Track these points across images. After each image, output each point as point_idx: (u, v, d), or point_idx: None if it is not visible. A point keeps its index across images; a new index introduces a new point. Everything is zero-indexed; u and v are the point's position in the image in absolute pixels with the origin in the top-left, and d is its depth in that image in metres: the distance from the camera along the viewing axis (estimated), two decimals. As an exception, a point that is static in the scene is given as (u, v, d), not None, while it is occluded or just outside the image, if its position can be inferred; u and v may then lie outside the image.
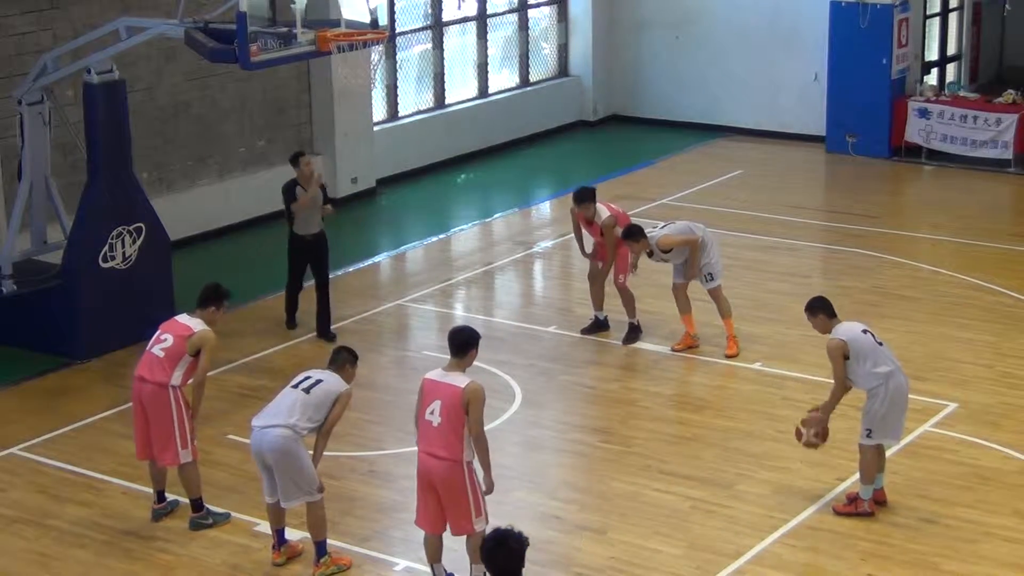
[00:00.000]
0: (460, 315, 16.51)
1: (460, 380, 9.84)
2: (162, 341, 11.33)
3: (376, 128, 21.21)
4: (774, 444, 12.77)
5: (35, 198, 15.32)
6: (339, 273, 17.60)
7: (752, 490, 11.92)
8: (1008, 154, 21.62)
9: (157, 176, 18.22)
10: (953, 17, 24.56)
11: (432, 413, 9.86)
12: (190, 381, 11.33)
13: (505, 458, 12.58)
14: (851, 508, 11.45)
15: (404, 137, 21.83)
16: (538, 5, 24.59)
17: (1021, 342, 15.03)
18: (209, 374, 14.34)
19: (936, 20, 24.11)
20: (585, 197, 14.94)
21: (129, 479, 12.24)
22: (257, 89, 19.41)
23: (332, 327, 15.61)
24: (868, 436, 11.38)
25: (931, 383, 13.97)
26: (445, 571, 10.35)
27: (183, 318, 11.58)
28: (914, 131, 22.29)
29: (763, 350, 14.78)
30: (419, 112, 22.49)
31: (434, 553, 10.27)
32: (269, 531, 10.99)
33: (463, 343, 10.00)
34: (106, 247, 14.99)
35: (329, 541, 10.91)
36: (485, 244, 19.15)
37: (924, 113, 22.19)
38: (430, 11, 22.58)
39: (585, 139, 24.41)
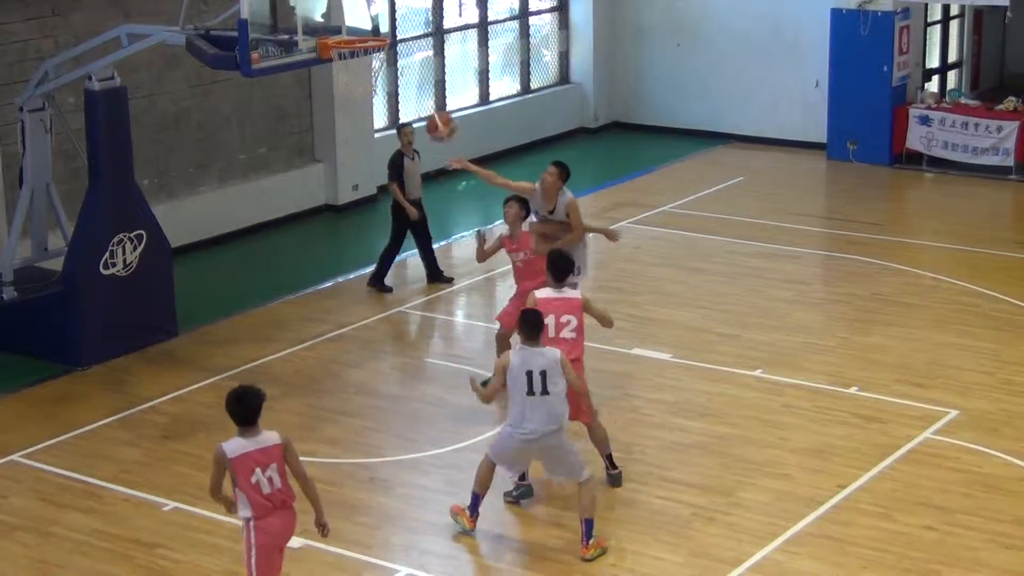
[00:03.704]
0: (461, 322, 16.51)
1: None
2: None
3: (377, 135, 21.22)
4: (775, 451, 12.76)
5: (36, 205, 15.33)
6: (340, 280, 17.63)
7: (753, 497, 11.91)
8: (1009, 161, 21.61)
9: (158, 183, 18.23)
10: (954, 24, 24.59)
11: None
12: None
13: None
14: None
15: (405, 144, 21.81)
16: (539, 12, 24.60)
17: (1022, 349, 15.02)
18: (211, 380, 14.42)
19: (937, 27, 24.13)
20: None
21: (130, 486, 12.24)
22: (258, 96, 19.42)
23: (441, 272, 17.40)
24: None
25: (932, 390, 13.97)
26: None
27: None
28: (915, 138, 22.29)
29: (764, 357, 14.78)
30: (420, 119, 22.45)
31: None
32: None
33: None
34: (107, 254, 15.00)
35: (329, 549, 10.92)
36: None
37: (925, 120, 22.19)
38: (431, 18, 22.59)
39: (586, 146, 24.41)
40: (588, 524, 10.96)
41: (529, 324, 10.92)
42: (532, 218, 14.07)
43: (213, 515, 11.66)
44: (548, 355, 10.84)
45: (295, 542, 11.13)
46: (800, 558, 10.95)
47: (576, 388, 11.12)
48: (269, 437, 9.54)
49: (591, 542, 10.96)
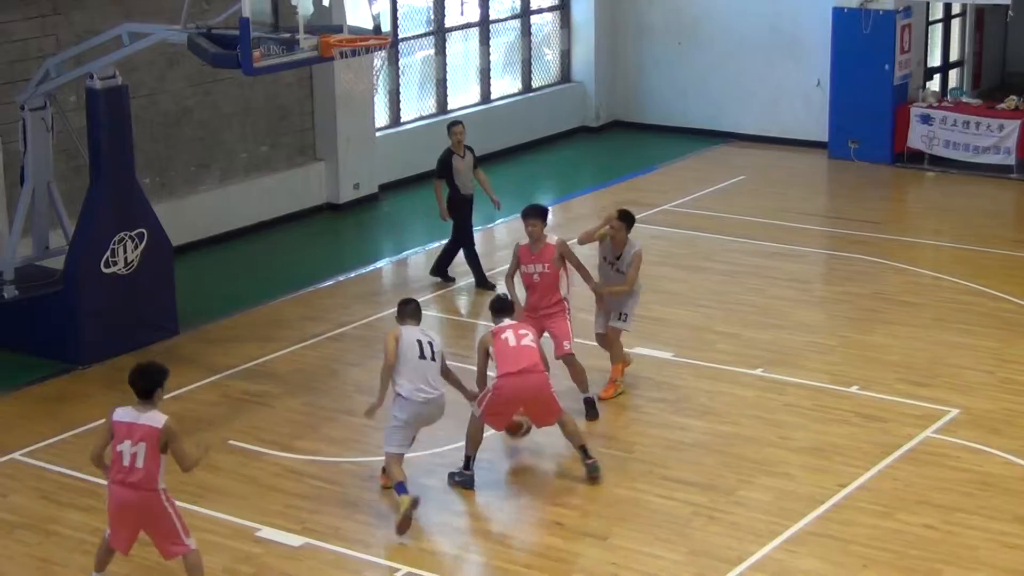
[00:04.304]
0: (463, 320, 16.51)
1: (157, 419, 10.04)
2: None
3: (378, 134, 21.23)
4: (776, 450, 12.76)
5: (37, 203, 15.33)
6: (341, 279, 17.63)
7: (754, 496, 11.91)
8: (1011, 160, 21.60)
9: (159, 181, 18.23)
10: (956, 23, 24.57)
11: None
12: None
13: (508, 463, 12.61)
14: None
15: (406, 143, 21.83)
16: (541, 11, 24.60)
17: (1023, 348, 15.01)
18: (212, 379, 14.43)
19: (939, 26, 24.12)
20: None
21: (131, 484, 12.23)
22: (260, 95, 19.42)
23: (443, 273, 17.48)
24: None
25: (933, 389, 13.96)
26: None
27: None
28: (916, 137, 22.29)
29: (765, 356, 14.77)
30: (421, 118, 22.49)
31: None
32: (271, 537, 11.21)
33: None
34: (108, 253, 15.00)
35: (329, 547, 10.95)
36: (487, 250, 19.11)
37: (926, 119, 22.18)
38: (432, 17, 22.59)
39: (587, 145, 24.42)
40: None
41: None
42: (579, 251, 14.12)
43: (214, 513, 11.67)
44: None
45: (295, 540, 11.17)
46: (801, 557, 10.95)
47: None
48: (154, 418, 9.93)
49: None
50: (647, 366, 14.56)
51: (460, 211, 17.21)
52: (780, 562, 10.87)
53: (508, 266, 13.84)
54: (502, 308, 12.51)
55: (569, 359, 13.33)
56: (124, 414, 9.95)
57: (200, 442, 11.06)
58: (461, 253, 17.41)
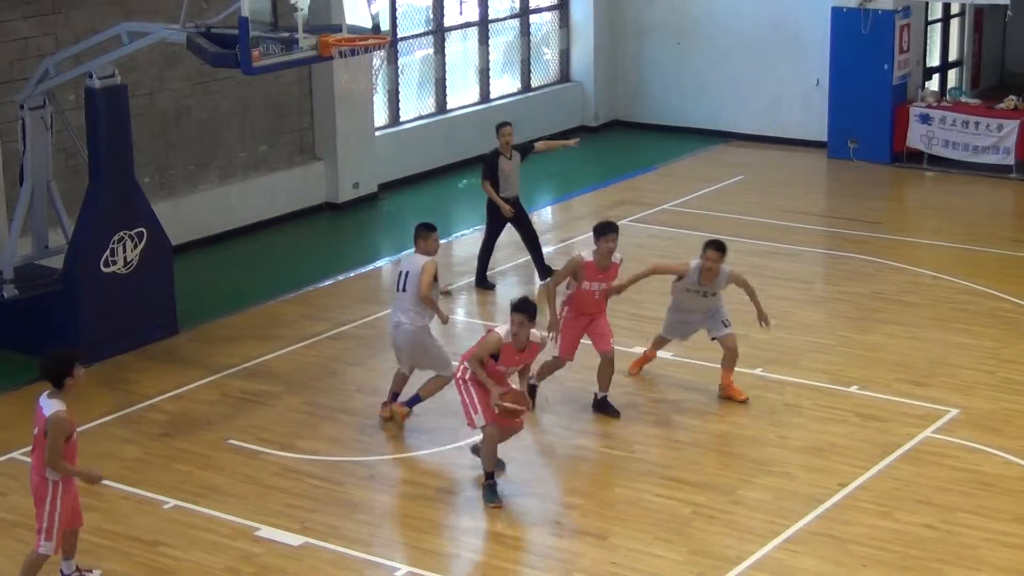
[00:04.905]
0: (462, 320, 16.50)
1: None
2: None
3: (378, 133, 21.22)
4: (775, 450, 12.76)
5: (36, 202, 15.33)
6: (341, 278, 17.63)
7: (753, 496, 11.91)
8: (1010, 160, 21.61)
9: (159, 181, 18.23)
10: (955, 23, 24.57)
11: None
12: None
13: (507, 463, 12.60)
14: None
15: (406, 142, 21.84)
16: (540, 10, 24.60)
17: (1022, 348, 15.02)
18: (212, 378, 14.43)
19: (938, 26, 24.11)
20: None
21: (131, 484, 12.24)
22: (259, 94, 19.42)
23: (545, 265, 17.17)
24: None
25: (932, 389, 13.97)
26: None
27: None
28: (916, 137, 22.29)
29: (765, 355, 14.77)
30: (421, 117, 22.49)
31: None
32: (271, 536, 11.23)
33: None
34: (107, 252, 15.00)
35: (330, 547, 10.96)
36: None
37: (926, 119, 22.19)
38: (432, 16, 22.59)
39: (587, 145, 24.28)
40: (413, 399, 13.22)
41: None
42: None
43: (214, 513, 11.67)
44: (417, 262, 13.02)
45: (294, 540, 11.17)
46: (801, 556, 10.96)
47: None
48: (51, 406, 10.10)
49: (394, 407, 13.23)
50: (647, 366, 14.56)
51: (499, 216, 16.99)
52: (780, 561, 10.88)
53: (556, 274, 13.69)
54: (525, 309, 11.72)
55: (611, 357, 13.33)
56: (40, 399, 10.17)
57: (94, 469, 10.72)
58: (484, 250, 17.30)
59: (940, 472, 12.27)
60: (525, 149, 17.16)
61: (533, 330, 11.78)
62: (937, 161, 22.22)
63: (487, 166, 16.93)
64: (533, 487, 12.19)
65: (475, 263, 17.34)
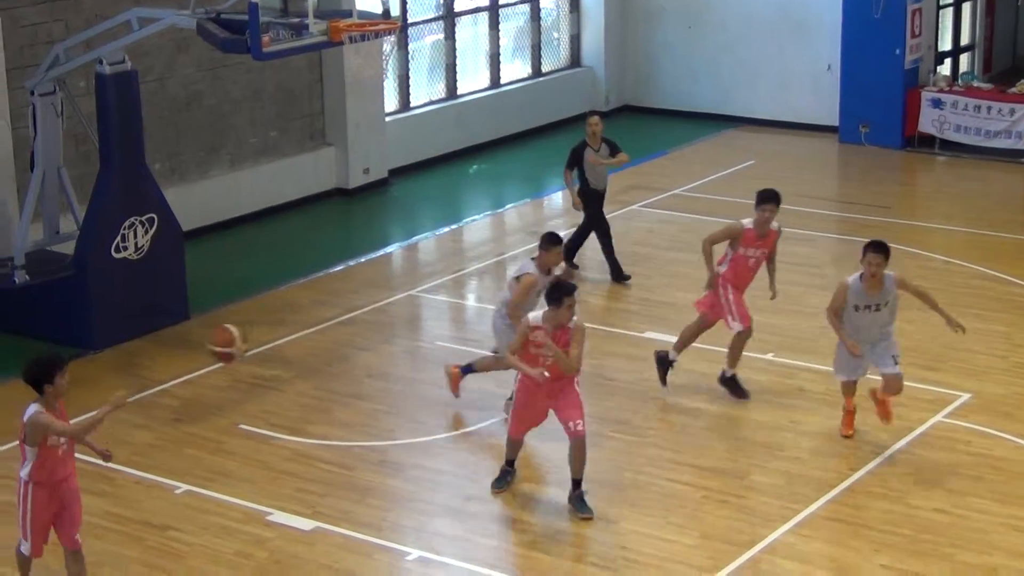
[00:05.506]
0: (472, 305, 16.51)
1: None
2: None
3: (388, 119, 21.20)
4: (787, 434, 12.75)
5: (47, 189, 15.34)
6: (352, 264, 17.63)
7: (765, 480, 11.91)
8: (1022, 144, 21.54)
9: (169, 167, 18.23)
10: (966, 7, 24.48)
11: None
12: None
13: (520, 448, 12.60)
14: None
15: (416, 128, 21.82)
16: (550, -5, 24.58)
17: (1035, 332, 14.99)
18: (220, 364, 14.40)
19: (949, 10, 24.02)
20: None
21: (142, 469, 12.26)
22: (269, 80, 19.41)
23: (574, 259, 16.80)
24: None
25: (944, 373, 13.95)
26: None
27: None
28: (927, 121, 22.23)
29: (776, 340, 14.76)
30: (431, 103, 22.47)
31: None
32: (282, 521, 11.25)
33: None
34: (118, 238, 15.01)
35: (341, 531, 10.97)
36: (497, 234, 19.14)
37: (937, 103, 22.13)
38: (442, 1, 22.55)
39: (597, 130, 24.33)
40: (467, 367, 13.32)
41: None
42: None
43: (225, 497, 11.69)
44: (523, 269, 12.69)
45: (306, 524, 11.19)
46: (812, 541, 10.95)
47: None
48: (27, 411, 9.82)
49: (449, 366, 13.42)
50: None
51: (591, 205, 16.70)
52: (791, 546, 10.87)
53: (712, 234, 13.61)
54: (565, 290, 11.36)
55: (747, 333, 13.42)
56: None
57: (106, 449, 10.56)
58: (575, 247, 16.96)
59: (952, 457, 12.25)
60: (614, 147, 16.66)
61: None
62: (949, 146, 22.17)
63: (572, 155, 16.60)
64: (544, 471, 12.19)
65: (492, 245, 17.30)
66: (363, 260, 17.84)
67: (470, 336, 15.40)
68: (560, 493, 11.65)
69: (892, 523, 11.16)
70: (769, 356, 14.40)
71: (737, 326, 13.37)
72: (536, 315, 11.31)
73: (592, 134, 16.52)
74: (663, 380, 13.63)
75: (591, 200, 16.69)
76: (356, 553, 10.91)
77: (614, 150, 16.64)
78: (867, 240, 12.67)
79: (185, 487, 11.92)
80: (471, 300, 16.77)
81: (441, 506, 11.61)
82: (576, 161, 16.56)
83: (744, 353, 14.38)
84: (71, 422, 9.99)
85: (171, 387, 14.03)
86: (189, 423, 13.22)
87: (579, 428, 11.24)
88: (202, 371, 14.32)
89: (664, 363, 13.69)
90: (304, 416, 13.34)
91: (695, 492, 11.72)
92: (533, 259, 12.78)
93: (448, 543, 11.06)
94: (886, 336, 12.42)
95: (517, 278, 12.71)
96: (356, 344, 15.10)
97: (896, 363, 12.40)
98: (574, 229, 17.09)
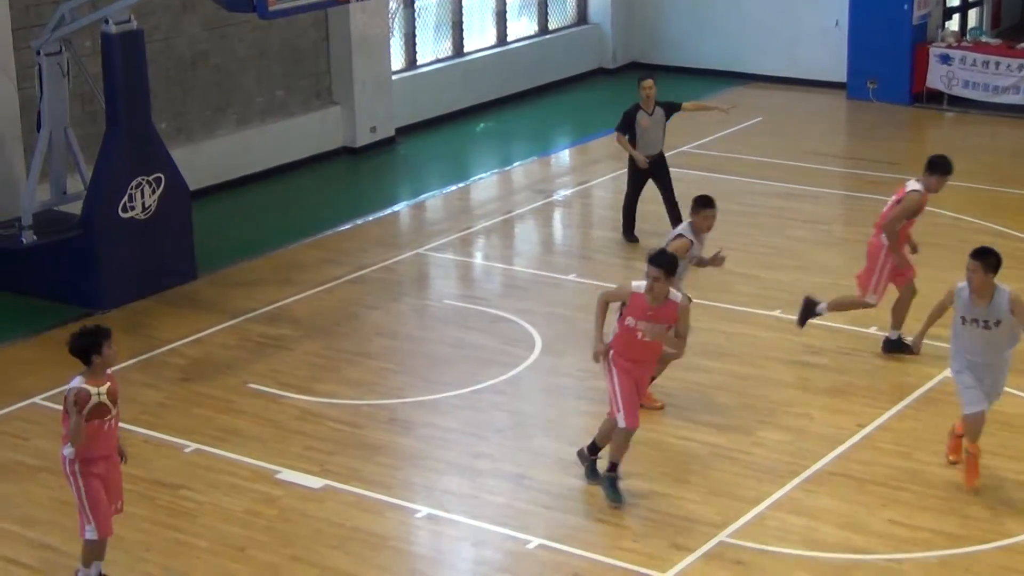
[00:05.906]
0: (480, 263, 16.50)
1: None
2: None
3: (395, 77, 21.14)
4: (794, 391, 12.76)
5: (54, 149, 15.32)
6: (359, 222, 17.62)
7: (772, 436, 11.93)
8: (1030, 100, 21.51)
9: (176, 126, 18.21)
10: (975, -38, 24.39)
11: None
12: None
13: (525, 405, 12.64)
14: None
15: (423, 86, 21.77)
16: (557, -48, 24.46)
17: (1043, 288, 14.94)
18: (231, 323, 14.41)
19: (958, -36, 23.94)
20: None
21: (151, 428, 12.29)
22: (275, 38, 19.36)
23: None
24: None
25: (952, 329, 13.92)
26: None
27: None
28: (935, 77, 22.16)
29: (783, 297, 14.74)
30: (437, 61, 22.41)
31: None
32: (291, 479, 11.30)
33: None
34: (126, 197, 15.01)
35: (350, 489, 11.01)
36: (504, 192, 19.12)
37: (946, 59, 22.04)
38: (448, -41, 22.48)
39: (604, 87, 24.29)
40: None
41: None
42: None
43: (234, 456, 11.73)
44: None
45: (315, 483, 11.22)
46: (820, 496, 10.97)
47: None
48: (70, 383, 9.45)
49: None
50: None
51: (640, 172, 16.40)
52: (799, 501, 10.90)
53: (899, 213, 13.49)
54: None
55: (911, 290, 13.56)
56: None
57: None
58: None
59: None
60: (671, 107, 16.46)
61: (674, 290, 10.73)
62: (957, 101, 22.10)
63: (624, 119, 16.32)
64: (552, 429, 12.22)
65: (499, 203, 17.23)
66: (370, 219, 17.83)
67: (478, 294, 15.41)
68: (569, 450, 11.67)
69: (900, 479, 11.17)
70: (776, 313, 14.40)
71: (873, 300, 13.38)
72: (640, 284, 10.65)
73: (646, 97, 16.22)
74: (801, 322, 13.57)
75: (639, 168, 16.38)
76: (366, 511, 10.94)
77: (669, 112, 16.41)
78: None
79: (194, 446, 11.95)
80: (478, 258, 16.76)
81: (450, 464, 11.64)
82: (628, 125, 16.32)
83: (751, 310, 14.43)
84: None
85: (179, 346, 14.05)
86: (198, 382, 13.24)
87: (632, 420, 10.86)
88: (210, 330, 14.34)
89: (809, 310, 13.57)
90: (313, 375, 13.36)
91: (703, 449, 11.74)
92: (690, 223, 12.48)
93: (457, 500, 11.09)
94: (997, 358, 11.16)
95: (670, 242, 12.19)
96: (364, 303, 15.11)
97: (997, 397, 11.24)
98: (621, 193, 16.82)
